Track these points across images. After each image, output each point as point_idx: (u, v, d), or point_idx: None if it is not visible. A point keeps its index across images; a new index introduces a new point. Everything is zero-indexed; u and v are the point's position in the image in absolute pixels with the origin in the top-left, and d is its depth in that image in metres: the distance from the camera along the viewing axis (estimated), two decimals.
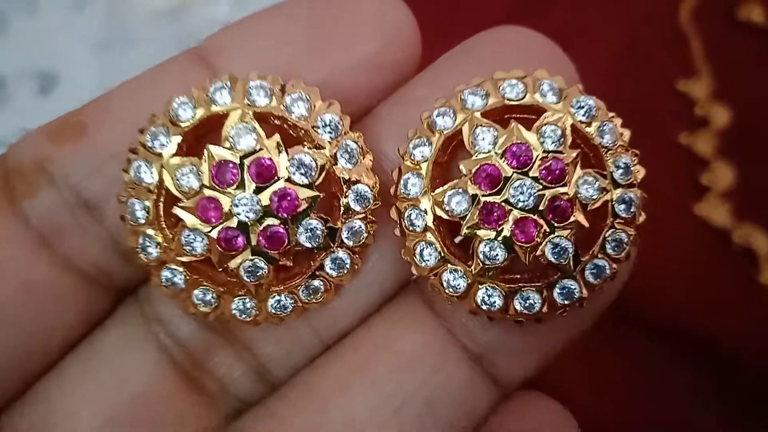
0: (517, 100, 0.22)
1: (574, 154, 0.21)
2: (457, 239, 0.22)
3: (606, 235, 0.22)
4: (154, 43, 0.55)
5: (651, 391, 0.48)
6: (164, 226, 0.22)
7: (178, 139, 0.21)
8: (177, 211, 0.21)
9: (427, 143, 0.22)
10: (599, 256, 0.22)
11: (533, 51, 0.24)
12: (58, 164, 0.23)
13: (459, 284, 0.22)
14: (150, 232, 0.21)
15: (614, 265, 0.22)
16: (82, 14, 0.57)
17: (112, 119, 0.23)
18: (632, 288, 0.49)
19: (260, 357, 0.24)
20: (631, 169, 0.22)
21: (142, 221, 0.21)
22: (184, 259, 0.21)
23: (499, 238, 0.21)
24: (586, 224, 0.21)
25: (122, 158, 0.22)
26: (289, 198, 0.21)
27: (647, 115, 0.53)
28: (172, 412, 0.23)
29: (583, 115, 0.22)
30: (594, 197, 0.21)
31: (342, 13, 0.24)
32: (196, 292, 0.22)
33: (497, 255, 0.21)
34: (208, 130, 0.22)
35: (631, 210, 0.22)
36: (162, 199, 0.21)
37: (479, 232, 0.21)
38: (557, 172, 0.21)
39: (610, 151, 0.22)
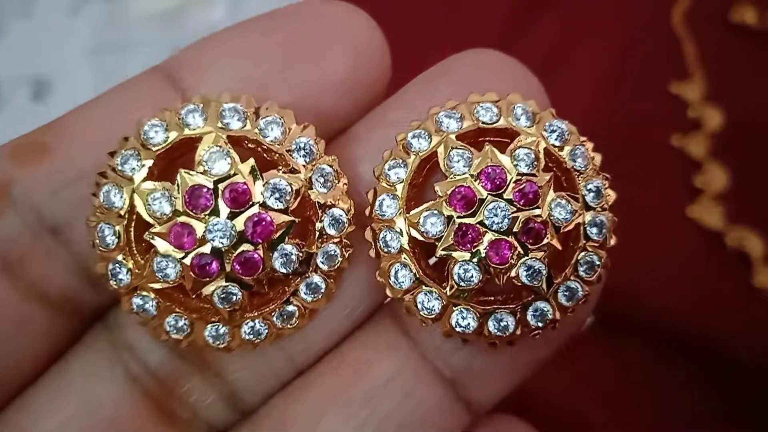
0: (491, 124, 0.22)
1: (548, 177, 0.21)
2: (432, 260, 0.22)
3: (578, 258, 0.22)
4: (149, 48, 0.56)
5: (645, 395, 0.48)
6: (135, 251, 0.21)
7: (149, 162, 0.21)
8: (149, 236, 0.20)
9: (402, 165, 0.22)
10: (572, 278, 0.22)
11: (506, 74, 0.24)
12: (20, 185, 0.22)
13: (433, 306, 0.22)
14: (120, 258, 0.21)
15: (586, 288, 0.22)
16: (76, 19, 0.57)
17: (75, 139, 0.22)
18: (625, 290, 0.49)
19: (231, 383, 0.24)
20: (602, 192, 0.22)
21: (112, 247, 0.21)
22: (156, 285, 0.21)
23: (474, 260, 0.21)
24: (559, 247, 0.21)
25: (87, 179, 0.22)
26: (264, 223, 0.20)
27: (640, 118, 0.54)
28: None
29: (556, 139, 0.22)
30: (567, 220, 0.21)
31: (311, 32, 0.23)
32: (168, 318, 0.21)
33: (472, 276, 0.21)
34: (181, 153, 0.21)
35: (603, 233, 0.22)
36: (133, 225, 0.21)
37: (454, 254, 0.21)
38: (531, 194, 0.21)
39: (582, 175, 0.22)
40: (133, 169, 0.21)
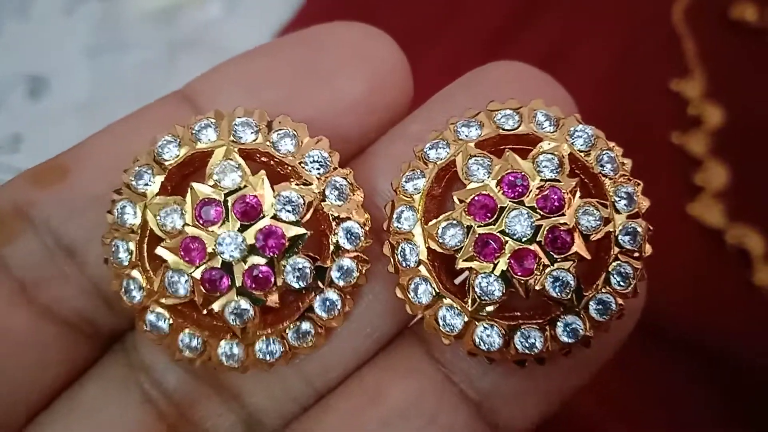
0: (512, 129, 0.21)
1: (573, 183, 0.20)
2: (458, 280, 0.22)
3: (610, 268, 0.20)
4: (146, 46, 0.56)
5: (644, 393, 0.47)
6: (148, 267, 0.21)
7: (161, 178, 0.21)
8: (160, 251, 0.20)
9: (420, 176, 0.21)
10: (604, 290, 0.20)
11: (529, 84, 0.23)
12: (39, 208, 0.22)
13: (455, 323, 0.21)
14: (134, 274, 0.21)
15: (620, 301, 0.20)
16: (73, 18, 0.57)
17: (94, 162, 0.23)
18: None
19: (249, 407, 0.23)
20: (635, 198, 0.21)
21: (126, 263, 0.21)
22: (167, 301, 0.20)
23: (496, 272, 0.20)
24: (588, 256, 0.20)
25: (104, 201, 0.22)
26: (275, 236, 0.20)
27: (641, 115, 0.55)
28: None
29: (582, 144, 0.21)
30: (596, 227, 0.20)
31: (328, 54, 0.23)
32: (181, 336, 0.21)
33: (494, 290, 0.20)
34: (194, 168, 0.21)
35: (637, 241, 0.21)
36: (146, 241, 0.21)
37: (475, 265, 0.20)
38: (555, 201, 0.20)
39: (611, 180, 0.21)
40: (146, 184, 0.21)
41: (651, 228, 0.21)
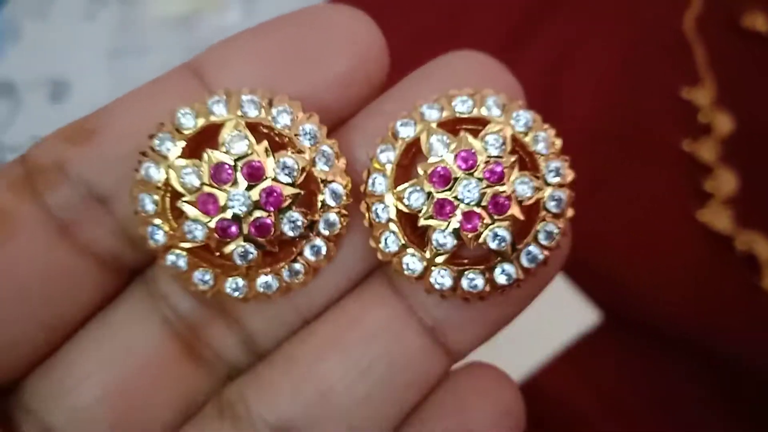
0: (467, 113, 0.26)
1: (513, 159, 0.25)
2: (418, 231, 0.27)
3: (538, 227, 0.25)
4: (165, 50, 0.57)
5: (653, 398, 0.49)
6: (170, 217, 0.25)
7: (182, 144, 0.25)
8: (181, 204, 0.24)
9: (391, 149, 0.26)
10: (532, 244, 0.25)
11: (484, 72, 0.27)
12: (72, 163, 0.25)
13: (416, 267, 0.26)
14: (158, 221, 0.25)
15: (546, 252, 0.26)
16: (93, 22, 0.58)
17: (117, 126, 0.26)
18: (634, 291, 0.51)
19: (248, 330, 0.27)
20: (561, 171, 0.26)
21: (152, 213, 0.25)
22: (186, 245, 0.25)
23: (449, 228, 0.25)
24: (521, 217, 0.25)
25: (128, 160, 0.25)
26: (275, 194, 0.24)
27: (651, 122, 0.56)
28: (174, 376, 0.27)
29: (522, 126, 0.26)
30: (528, 195, 0.25)
31: (318, 33, 0.26)
32: (196, 273, 0.25)
33: (447, 242, 0.25)
34: (207, 136, 0.25)
35: (561, 206, 0.26)
36: (168, 195, 0.25)
37: (432, 223, 0.25)
38: (498, 173, 0.25)
39: (543, 157, 0.26)
40: (168, 149, 0.25)
41: (573, 195, 0.26)
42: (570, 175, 0.26)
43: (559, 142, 0.26)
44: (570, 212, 0.26)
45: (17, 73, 0.56)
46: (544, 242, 0.26)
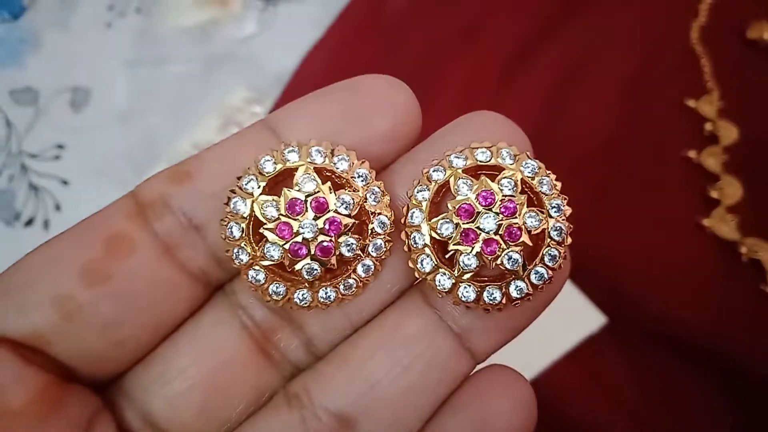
0: (485, 162, 0.29)
1: (523, 198, 0.30)
2: (448, 255, 0.31)
3: (544, 252, 0.29)
4: (183, 60, 0.56)
5: (660, 404, 0.49)
6: (252, 241, 0.30)
7: (263, 183, 0.28)
8: (263, 230, 0.30)
9: (426, 189, 0.29)
10: (540, 265, 0.29)
11: (499, 129, 0.32)
12: (174, 198, 0.28)
13: (446, 283, 0.29)
14: (242, 245, 0.30)
15: (550, 272, 0.30)
16: (113, 32, 0.57)
17: (210, 168, 0.29)
18: (640, 298, 0.52)
19: (309, 334, 0.30)
20: (562, 208, 0.31)
21: (237, 238, 0.30)
22: (265, 263, 0.29)
23: (473, 252, 0.28)
24: (530, 243, 0.30)
25: (220, 196, 0.28)
26: (335, 223, 0.28)
27: (658, 132, 0.55)
28: (250, 372, 0.31)
29: (529, 172, 0.31)
30: (536, 226, 0.30)
31: (366, 98, 0.29)
32: (271, 286, 0.29)
33: (471, 263, 0.28)
34: (283, 178, 0.30)
35: (562, 235, 0.31)
36: (251, 224, 0.30)
37: (460, 248, 0.28)
38: (511, 209, 0.29)
39: (547, 196, 0.31)
40: (253, 187, 0.30)
41: (572, 226, 0.30)
42: (568, 211, 0.32)
43: (559, 184, 0.32)
44: (569, 240, 0.32)
45: (38, 81, 0.55)
46: (549, 264, 0.31)
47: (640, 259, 0.53)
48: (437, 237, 0.29)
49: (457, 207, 0.29)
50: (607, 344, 0.51)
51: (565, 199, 0.31)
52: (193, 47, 0.58)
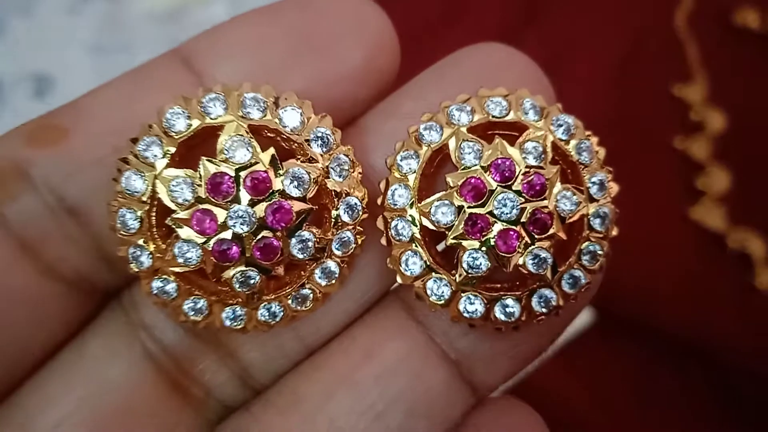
0: (500, 117, 0.23)
1: (555, 170, 0.22)
2: (440, 247, 0.23)
3: (582, 247, 0.23)
4: (150, 46, 0.55)
5: (645, 397, 0.49)
6: (156, 236, 0.22)
7: (172, 149, 0.21)
8: (171, 222, 0.21)
9: (414, 156, 0.23)
10: (575, 267, 0.23)
11: (514, 69, 0.25)
12: (38, 167, 0.22)
13: (443, 292, 0.23)
14: (141, 242, 0.22)
15: (589, 276, 0.23)
16: (78, 18, 0.57)
17: (93, 123, 0.23)
18: (626, 292, 0.50)
19: (244, 362, 0.25)
20: (606, 185, 0.23)
21: (134, 231, 0.21)
22: (177, 269, 0.21)
23: (483, 248, 0.22)
24: (564, 237, 0.23)
25: (106, 163, 0.22)
26: (283, 210, 0.21)
27: (643, 120, 0.55)
28: (158, 420, 0.24)
29: (563, 133, 0.23)
30: (572, 211, 0.22)
31: (324, 21, 0.24)
32: (187, 301, 0.22)
33: (480, 264, 0.22)
34: (201, 140, 0.22)
35: (605, 224, 0.23)
36: (154, 210, 0.22)
37: (464, 242, 0.22)
38: (538, 186, 0.22)
39: (587, 168, 0.23)
40: (155, 155, 0.21)
41: (618, 211, 0.24)
42: (614, 189, 0.23)
43: (602, 152, 0.24)
44: (614, 231, 0.23)
45: (1, 69, 0.56)
46: (587, 264, 0.23)
47: (625, 251, 0.52)
48: (430, 226, 0.23)
49: (460, 183, 0.22)
50: (592, 341, 0.51)
51: (610, 172, 0.23)
52: (161, 32, 0.59)
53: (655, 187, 0.55)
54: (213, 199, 0.21)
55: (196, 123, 0.21)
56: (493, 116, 0.23)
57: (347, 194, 0.22)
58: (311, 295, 0.23)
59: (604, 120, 0.56)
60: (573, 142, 0.23)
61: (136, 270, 0.22)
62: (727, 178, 0.53)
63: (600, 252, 0.23)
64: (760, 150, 0.53)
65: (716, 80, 0.56)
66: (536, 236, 0.22)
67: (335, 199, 0.22)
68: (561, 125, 0.23)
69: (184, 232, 0.21)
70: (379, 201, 0.23)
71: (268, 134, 0.22)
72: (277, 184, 0.21)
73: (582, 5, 0.59)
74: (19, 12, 0.57)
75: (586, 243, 0.23)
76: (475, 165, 0.22)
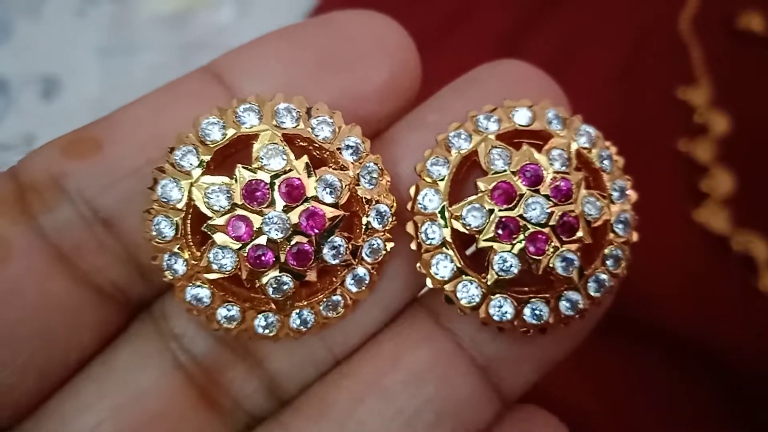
0: (526, 126, 0.23)
1: (580, 176, 0.23)
2: (469, 251, 0.24)
3: (606, 251, 0.23)
4: (157, 48, 0.56)
5: (650, 399, 0.48)
6: (191, 243, 0.22)
7: (207, 158, 0.21)
8: (207, 228, 0.21)
9: (444, 162, 0.23)
10: (600, 270, 0.23)
11: (532, 84, 0.25)
12: (72, 179, 0.22)
13: (474, 295, 0.23)
14: (176, 249, 0.22)
15: (613, 279, 0.23)
16: (85, 20, 0.57)
17: (127, 135, 0.23)
18: (631, 294, 0.46)
19: (272, 371, 0.24)
20: (626, 191, 0.24)
21: (170, 238, 0.21)
22: (212, 276, 0.21)
23: (514, 251, 0.22)
24: (590, 240, 0.23)
25: (140, 174, 0.22)
26: (317, 216, 0.21)
27: (647, 122, 0.54)
28: (188, 429, 0.23)
29: (585, 142, 0.24)
30: (597, 215, 0.23)
31: (350, 40, 0.24)
32: (221, 309, 0.22)
33: (511, 266, 0.22)
34: (236, 149, 0.22)
35: (627, 229, 0.24)
36: (190, 218, 0.22)
37: (495, 245, 0.22)
38: (565, 191, 0.22)
39: (608, 175, 0.24)
40: (191, 164, 0.21)
41: (637, 218, 0.24)
42: (634, 196, 0.24)
43: (621, 161, 0.24)
44: (635, 236, 0.24)
45: (9, 70, 0.55)
46: (611, 268, 0.23)
47: (630, 254, 0.52)
48: (462, 229, 0.23)
49: (491, 187, 0.23)
50: (599, 342, 0.49)
51: (628, 180, 0.23)
52: (168, 36, 0.58)
53: (659, 190, 0.53)
54: (248, 206, 0.21)
55: (231, 132, 0.22)
56: (519, 125, 0.23)
57: (377, 201, 0.23)
58: (342, 302, 0.23)
59: (608, 123, 0.53)
60: (595, 151, 0.24)
61: (171, 277, 0.22)
62: (731, 180, 0.52)
63: (622, 256, 0.23)
64: (764, 153, 0.53)
65: (720, 83, 0.55)
66: (564, 239, 0.22)
67: (365, 206, 0.22)
68: (583, 135, 0.24)
69: (220, 238, 0.21)
70: (408, 206, 0.23)
71: (301, 143, 0.22)
72: (310, 190, 0.21)
73: (585, 9, 0.58)
74: (26, 14, 0.57)
75: (610, 247, 0.23)
76: (505, 170, 0.23)
